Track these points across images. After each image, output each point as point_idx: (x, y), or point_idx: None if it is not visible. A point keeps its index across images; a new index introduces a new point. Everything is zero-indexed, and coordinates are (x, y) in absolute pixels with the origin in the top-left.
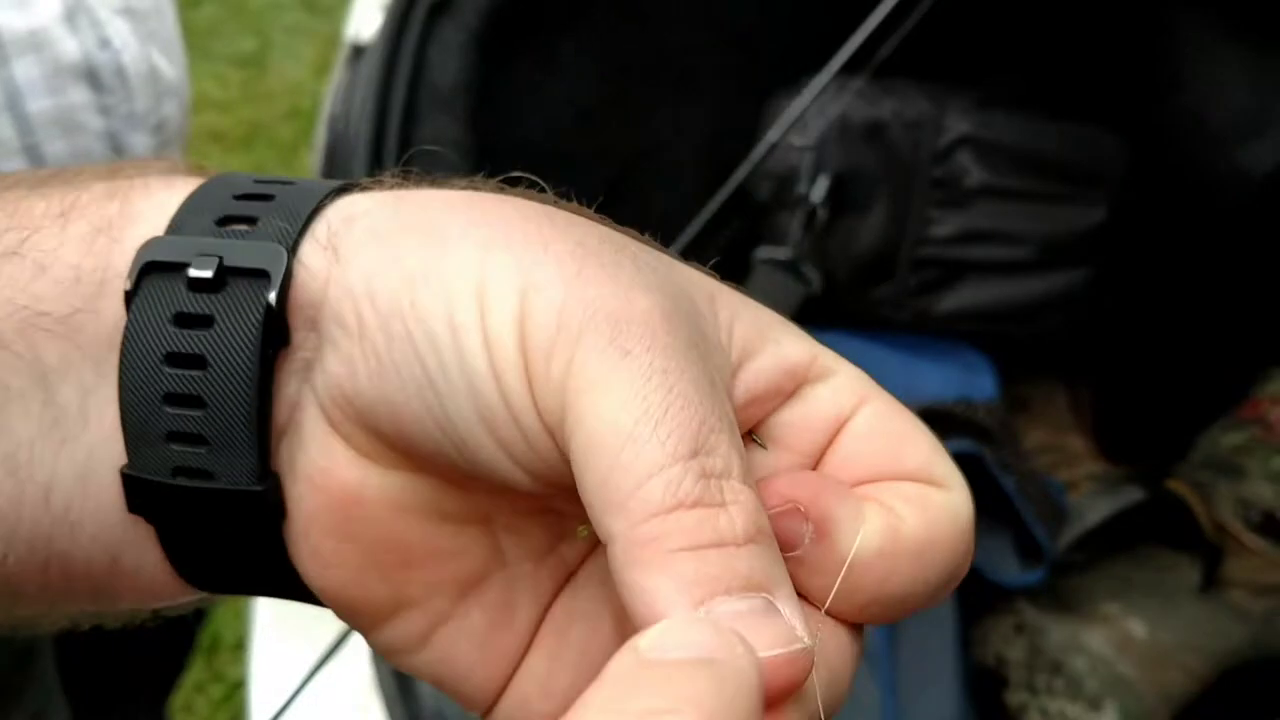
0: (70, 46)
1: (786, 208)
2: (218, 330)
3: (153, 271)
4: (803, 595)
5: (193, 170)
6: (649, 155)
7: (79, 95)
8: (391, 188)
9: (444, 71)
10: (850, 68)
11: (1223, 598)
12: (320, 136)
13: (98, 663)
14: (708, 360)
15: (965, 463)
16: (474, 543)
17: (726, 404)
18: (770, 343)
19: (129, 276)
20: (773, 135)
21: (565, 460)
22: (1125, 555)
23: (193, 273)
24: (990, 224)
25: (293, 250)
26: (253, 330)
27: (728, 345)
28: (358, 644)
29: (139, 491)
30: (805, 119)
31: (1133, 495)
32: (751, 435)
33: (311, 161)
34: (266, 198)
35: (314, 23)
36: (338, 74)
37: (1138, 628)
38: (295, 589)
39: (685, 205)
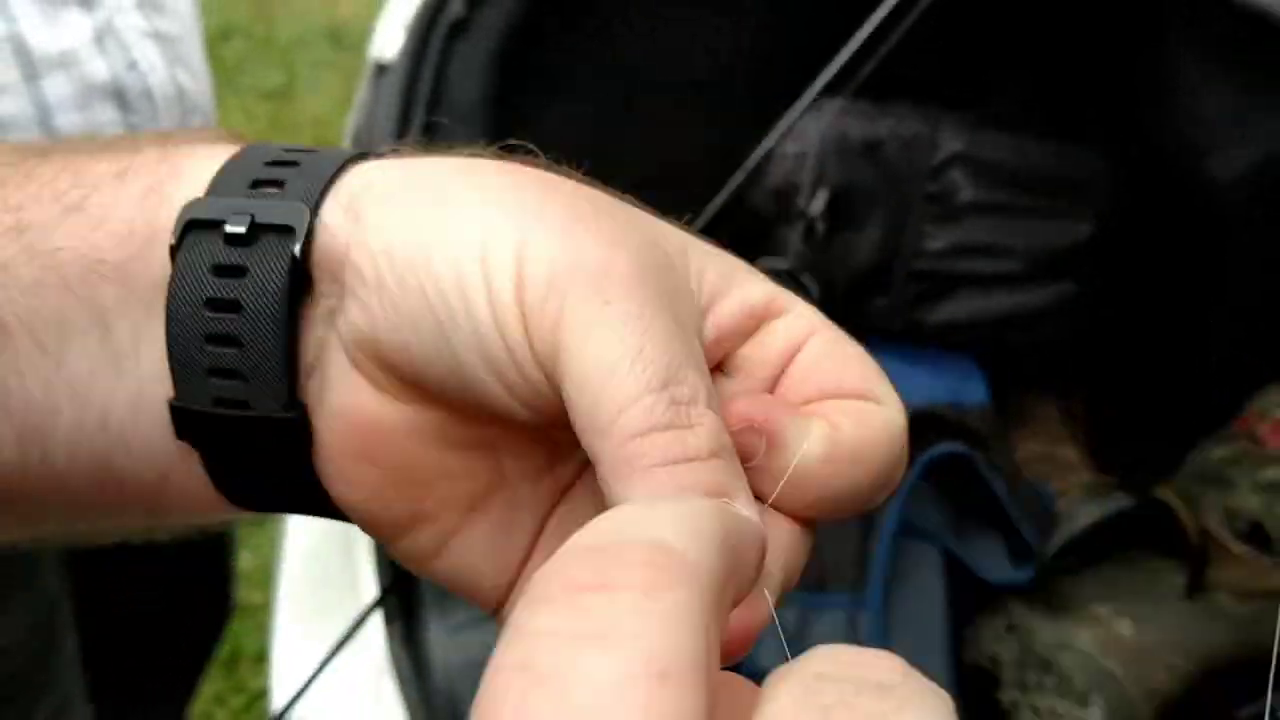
0: (99, 67)
1: (787, 221)
2: (251, 278)
3: (194, 228)
4: (760, 497)
5: (232, 138)
6: (661, 171)
7: (106, 114)
8: (403, 155)
9: (464, 89)
10: (851, 86)
11: (1208, 601)
12: None
13: (121, 663)
14: (677, 305)
15: (957, 464)
16: (479, 465)
17: (694, 341)
18: (735, 287)
19: (174, 232)
20: (767, 143)
21: (557, 395)
22: (1114, 560)
23: (229, 229)
24: (981, 238)
25: (315, 209)
26: (281, 278)
27: (697, 291)
28: (371, 631)
29: (185, 420)
30: (801, 132)
31: (1121, 502)
32: (720, 368)
33: None
34: (293, 164)
35: (340, 57)
36: (362, 91)
37: (1125, 628)
38: (323, 506)
39: (695, 221)
